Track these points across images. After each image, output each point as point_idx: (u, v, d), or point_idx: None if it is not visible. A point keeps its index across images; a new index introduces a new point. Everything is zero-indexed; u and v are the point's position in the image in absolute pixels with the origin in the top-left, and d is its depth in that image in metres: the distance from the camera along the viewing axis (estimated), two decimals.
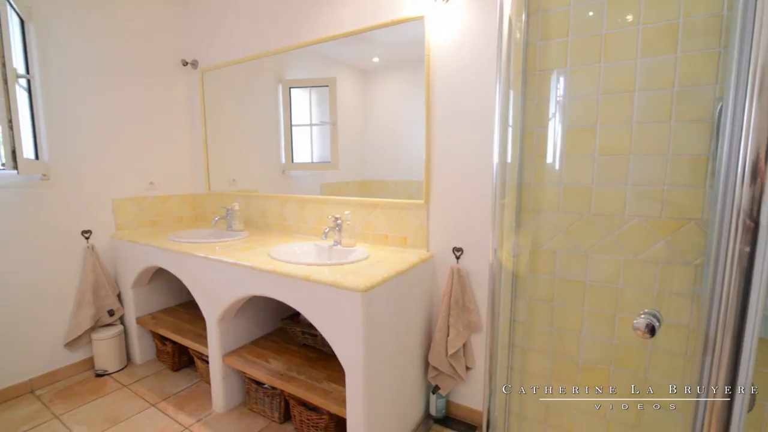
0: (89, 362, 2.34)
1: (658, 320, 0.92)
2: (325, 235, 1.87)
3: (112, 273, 2.40)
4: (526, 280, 1.61)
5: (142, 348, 2.42)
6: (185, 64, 2.68)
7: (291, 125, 2.43)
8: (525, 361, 1.67)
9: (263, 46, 2.33)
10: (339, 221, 1.90)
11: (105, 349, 2.28)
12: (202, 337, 2.08)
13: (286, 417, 1.85)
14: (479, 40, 1.62)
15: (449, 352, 1.70)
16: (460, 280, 1.72)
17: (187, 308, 2.53)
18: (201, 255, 1.83)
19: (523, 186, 1.57)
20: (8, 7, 1.70)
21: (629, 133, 1.37)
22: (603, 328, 1.49)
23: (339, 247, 1.90)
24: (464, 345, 1.75)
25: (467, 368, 1.78)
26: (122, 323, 2.41)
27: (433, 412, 1.85)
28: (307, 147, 2.43)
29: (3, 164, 1.68)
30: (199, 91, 2.69)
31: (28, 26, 2.00)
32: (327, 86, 2.28)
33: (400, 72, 2.03)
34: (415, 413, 1.80)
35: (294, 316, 2.04)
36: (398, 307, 1.57)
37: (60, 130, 2.15)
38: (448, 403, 1.88)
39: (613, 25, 1.36)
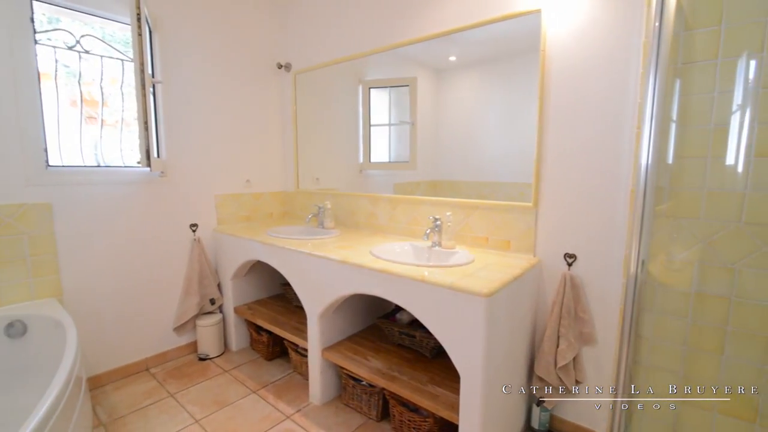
0: (192, 346, 2.52)
1: None
2: (427, 235, 1.85)
3: (212, 264, 2.57)
4: (655, 292, 1.48)
5: (238, 336, 2.57)
6: (280, 67, 2.80)
7: (370, 125, 2.46)
8: (647, 380, 1.54)
9: (356, 47, 2.36)
10: (439, 222, 1.87)
11: (207, 335, 2.44)
12: (298, 330, 2.15)
13: (383, 415, 1.87)
14: (604, 31, 1.51)
15: (559, 364, 1.62)
16: (573, 289, 1.62)
17: (278, 300, 2.65)
18: (305, 251, 1.89)
19: (654, 189, 1.44)
20: (145, 21, 1.87)
21: None
22: (752, 351, 1.33)
23: (438, 248, 1.87)
24: (575, 357, 1.65)
25: (577, 382, 1.68)
26: (221, 312, 2.57)
27: (535, 425, 1.77)
28: (384, 147, 2.45)
29: (138, 162, 1.84)
30: (291, 92, 2.80)
31: (154, 35, 2.19)
32: (407, 86, 2.27)
33: (476, 70, 1.97)
34: (517, 424, 1.73)
35: (390, 315, 2.05)
36: (512, 313, 1.51)
37: (174, 130, 2.33)
38: (551, 417, 1.78)
39: None
